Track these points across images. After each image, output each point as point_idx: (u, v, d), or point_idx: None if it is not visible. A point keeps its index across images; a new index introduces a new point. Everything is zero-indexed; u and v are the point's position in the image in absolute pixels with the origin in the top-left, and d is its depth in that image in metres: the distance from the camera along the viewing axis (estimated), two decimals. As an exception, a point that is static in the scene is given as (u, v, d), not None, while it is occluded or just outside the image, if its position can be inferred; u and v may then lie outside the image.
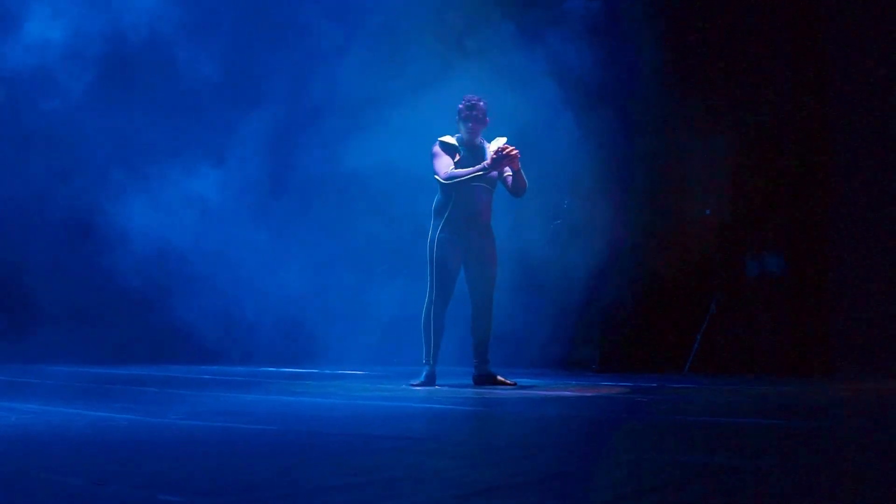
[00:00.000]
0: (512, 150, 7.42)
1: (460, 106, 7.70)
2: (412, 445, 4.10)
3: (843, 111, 9.36)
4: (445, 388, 7.26)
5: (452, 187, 7.56)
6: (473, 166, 7.56)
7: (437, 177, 7.61)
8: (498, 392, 6.99)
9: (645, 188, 9.84)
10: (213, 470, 3.36)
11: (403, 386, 7.46)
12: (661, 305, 9.68)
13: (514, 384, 7.54)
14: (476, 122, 7.66)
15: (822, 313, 9.30)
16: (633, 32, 9.88)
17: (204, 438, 4.24)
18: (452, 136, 7.75)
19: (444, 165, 7.58)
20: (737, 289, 9.53)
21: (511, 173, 7.67)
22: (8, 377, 8.46)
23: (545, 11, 10.18)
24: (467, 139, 7.72)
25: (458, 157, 7.63)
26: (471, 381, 7.71)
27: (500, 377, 7.62)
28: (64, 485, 3.06)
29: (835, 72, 9.41)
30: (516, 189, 7.73)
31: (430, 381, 7.50)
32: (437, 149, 7.67)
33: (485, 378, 7.64)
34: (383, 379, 8.46)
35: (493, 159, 7.45)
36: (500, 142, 7.70)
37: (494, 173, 7.64)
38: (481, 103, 7.68)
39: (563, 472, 3.32)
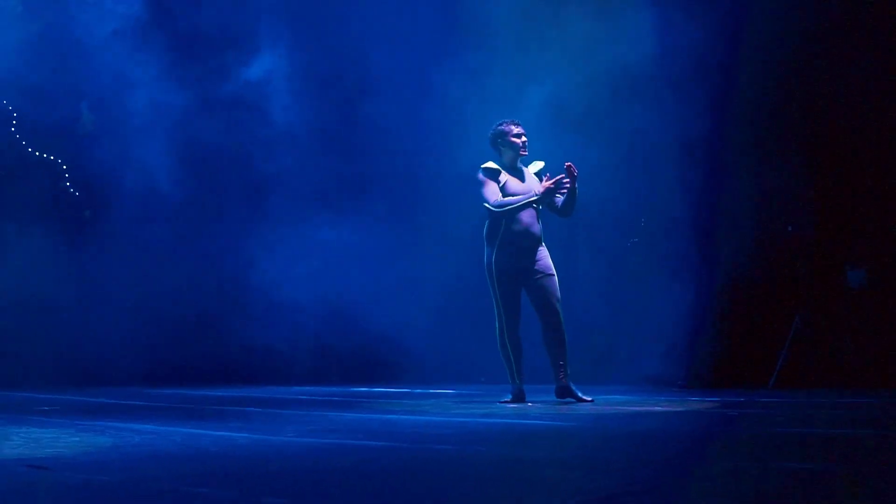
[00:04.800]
0: (566, 182, 7.58)
1: (503, 129, 7.82)
2: (526, 458, 4.30)
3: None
4: (538, 406, 7.41)
5: (502, 212, 7.70)
6: (517, 188, 7.70)
7: (486, 205, 7.71)
8: (589, 408, 7.12)
9: (728, 205, 9.89)
10: (341, 484, 3.57)
11: (497, 403, 7.61)
12: (747, 321, 9.72)
13: (592, 401, 7.54)
14: (523, 147, 7.81)
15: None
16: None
17: (325, 454, 4.47)
18: (492, 161, 7.85)
19: (493, 193, 7.69)
20: (821, 303, 9.56)
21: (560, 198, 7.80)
22: (113, 399, 8.76)
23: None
24: (510, 163, 7.84)
25: (503, 181, 7.75)
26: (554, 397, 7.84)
27: (579, 393, 7.60)
28: (208, 496, 3.29)
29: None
30: (565, 212, 7.84)
31: (518, 398, 7.63)
32: (482, 176, 7.77)
33: (565, 391, 7.64)
34: (473, 397, 8.63)
35: (546, 189, 7.59)
36: (538, 165, 7.90)
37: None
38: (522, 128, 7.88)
39: (672, 481, 3.49)
